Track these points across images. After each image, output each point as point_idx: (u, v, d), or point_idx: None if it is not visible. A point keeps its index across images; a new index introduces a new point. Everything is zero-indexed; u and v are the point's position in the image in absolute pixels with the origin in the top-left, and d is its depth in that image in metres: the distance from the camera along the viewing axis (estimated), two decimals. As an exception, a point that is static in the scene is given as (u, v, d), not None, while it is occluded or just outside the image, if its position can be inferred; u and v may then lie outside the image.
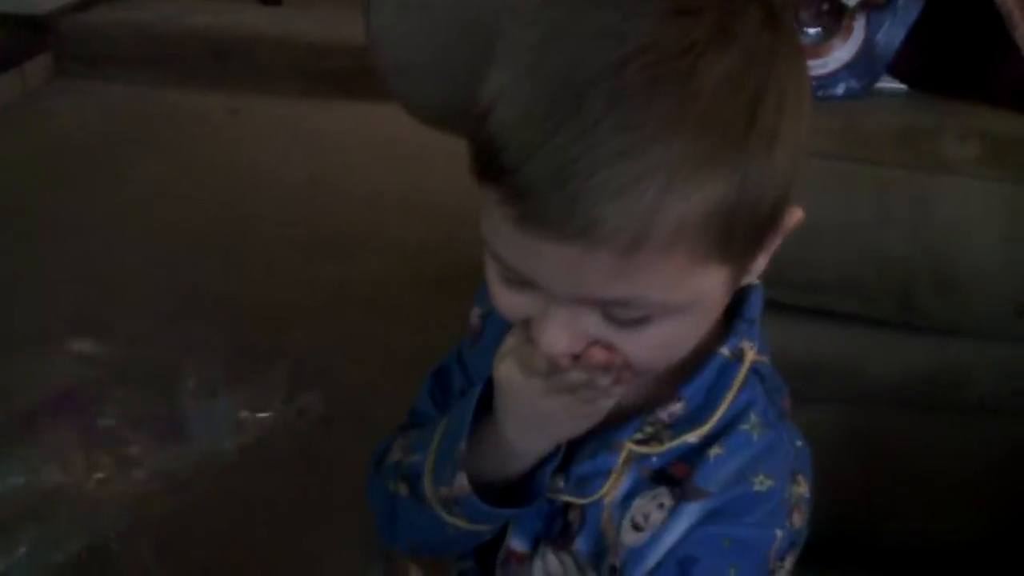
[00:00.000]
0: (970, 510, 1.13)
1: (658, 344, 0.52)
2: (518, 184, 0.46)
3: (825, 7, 1.02)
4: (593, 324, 0.50)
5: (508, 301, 0.53)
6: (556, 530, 0.61)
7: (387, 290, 1.71)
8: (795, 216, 0.55)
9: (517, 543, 0.63)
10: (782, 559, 0.59)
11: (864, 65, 1.03)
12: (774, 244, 0.55)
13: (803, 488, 0.60)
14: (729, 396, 0.58)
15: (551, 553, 0.61)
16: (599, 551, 0.59)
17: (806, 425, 0.79)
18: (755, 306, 0.60)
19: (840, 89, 1.05)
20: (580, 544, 0.60)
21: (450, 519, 0.60)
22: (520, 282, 0.51)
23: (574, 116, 0.45)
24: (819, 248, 0.98)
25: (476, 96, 0.49)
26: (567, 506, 0.60)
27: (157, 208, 2.01)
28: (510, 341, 0.56)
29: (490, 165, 0.47)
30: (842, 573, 1.16)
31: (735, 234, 0.48)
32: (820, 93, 1.05)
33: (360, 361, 1.49)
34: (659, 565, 0.57)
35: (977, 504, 1.13)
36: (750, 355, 0.59)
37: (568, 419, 0.56)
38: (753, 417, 0.58)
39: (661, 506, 0.57)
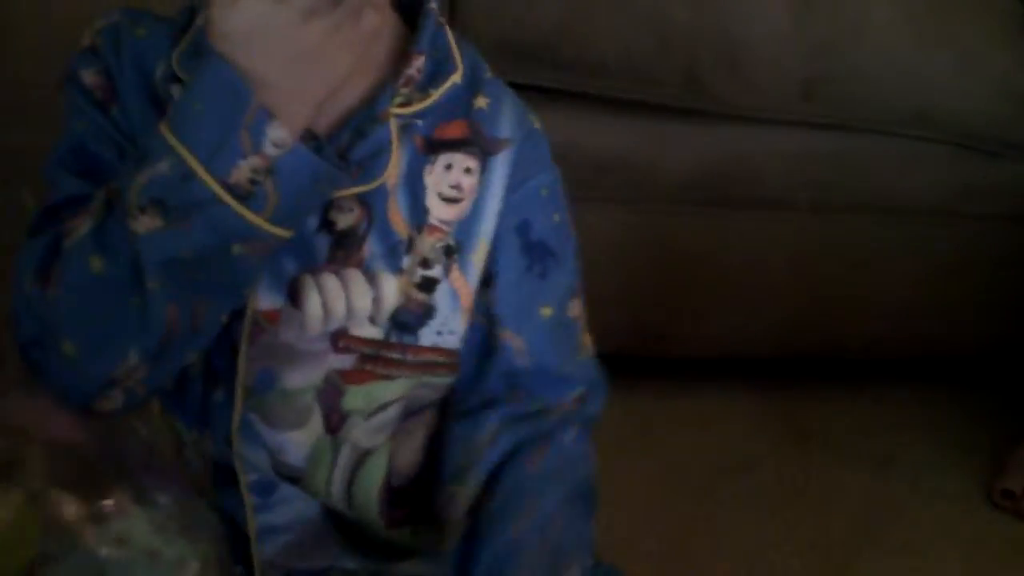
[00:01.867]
0: (767, 309, 1.11)
1: None
2: None
3: None
4: None
5: None
6: (324, 253, 0.56)
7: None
8: None
9: (267, 301, 0.56)
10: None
11: None
12: None
13: None
14: (455, 49, 0.60)
15: (329, 276, 0.56)
16: (392, 247, 0.57)
17: (592, 227, 0.74)
18: None
19: None
20: (371, 247, 0.57)
21: (251, 216, 0.49)
22: None
23: None
24: (597, 20, 0.90)
25: None
26: (329, 224, 0.56)
27: None
28: None
29: None
30: (648, 386, 1.13)
31: None
32: None
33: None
34: (498, 239, 0.60)
35: (775, 303, 1.11)
36: (443, 17, 0.61)
37: (332, 46, 0.50)
38: (487, 66, 0.62)
39: (468, 171, 0.59)
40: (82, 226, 0.52)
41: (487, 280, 0.60)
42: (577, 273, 0.65)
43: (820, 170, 1.04)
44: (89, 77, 0.60)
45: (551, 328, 0.63)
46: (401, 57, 0.58)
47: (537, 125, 0.62)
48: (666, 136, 1.00)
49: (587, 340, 0.66)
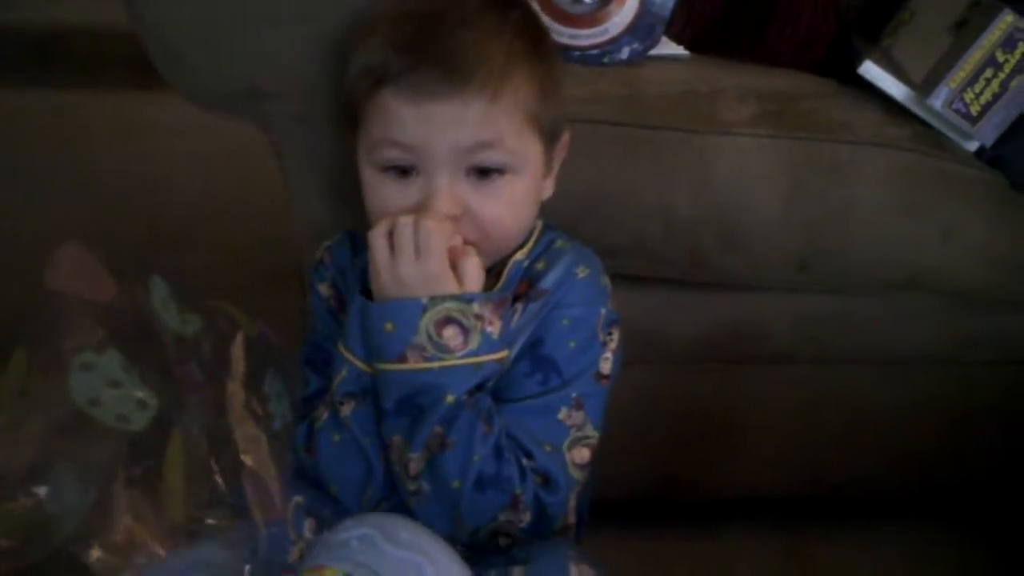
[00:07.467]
0: (780, 456, 1.18)
1: (505, 201, 0.74)
2: (417, 75, 0.70)
3: (598, -25, 1.03)
4: (463, 190, 0.73)
5: (397, 194, 0.73)
6: None
7: (218, 284, 1.67)
8: (566, 136, 0.82)
9: None
10: (609, 332, 0.80)
11: (643, 28, 1.05)
12: (559, 158, 0.82)
13: (607, 280, 0.82)
14: (535, 236, 0.82)
15: None
16: None
17: (613, 389, 0.82)
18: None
19: (624, 53, 1.06)
20: None
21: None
22: (405, 169, 0.73)
23: (440, 28, 0.71)
24: (609, 211, 0.99)
25: (350, 38, 0.77)
26: None
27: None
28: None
29: (389, 69, 0.71)
30: (670, 531, 1.21)
31: (544, 117, 0.76)
32: (606, 59, 1.07)
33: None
34: (518, 355, 0.76)
35: (786, 449, 1.18)
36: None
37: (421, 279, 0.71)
38: (560, 240, 0.82)
39: (513, 312, 0.77)
40: (323, 414, 0.77)
41: None
42: (585, 399, 0.77)
43: (821, 328, 1.12)
44: (324, 290, 0.84)
45: (528, 410, 0.75)
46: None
47: (584, 274, 0.79)
48: (673, 304, 1.09)
49: (575, 455, 0.76)
